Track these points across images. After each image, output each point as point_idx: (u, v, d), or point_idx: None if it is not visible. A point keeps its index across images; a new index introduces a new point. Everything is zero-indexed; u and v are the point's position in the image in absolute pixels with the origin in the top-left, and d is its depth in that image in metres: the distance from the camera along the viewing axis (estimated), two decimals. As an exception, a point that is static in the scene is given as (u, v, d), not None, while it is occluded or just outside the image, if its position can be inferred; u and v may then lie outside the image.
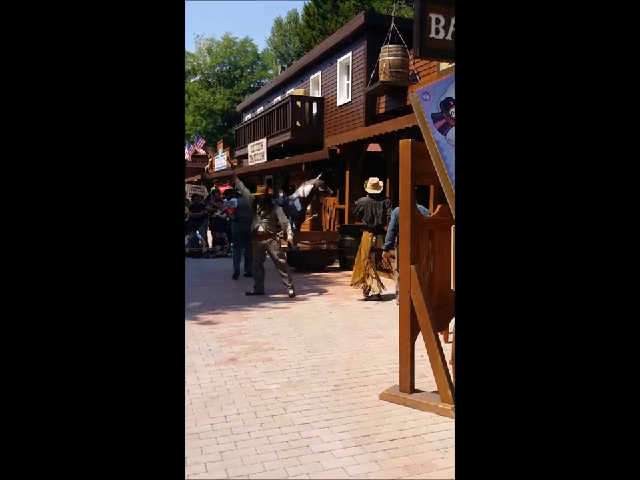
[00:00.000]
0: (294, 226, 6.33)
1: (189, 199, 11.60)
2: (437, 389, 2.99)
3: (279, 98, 15.50)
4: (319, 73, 13.04)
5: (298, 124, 12.67)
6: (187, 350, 4.08)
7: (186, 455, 2.38)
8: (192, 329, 4.75)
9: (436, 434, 2.64)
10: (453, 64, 6.06)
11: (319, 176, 8.56)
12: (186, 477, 2.21)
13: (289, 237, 6.40)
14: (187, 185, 16.48)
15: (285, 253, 6.73)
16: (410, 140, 2.95)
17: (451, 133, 2.69)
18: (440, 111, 2.68)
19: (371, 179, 6.43)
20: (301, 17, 29.57)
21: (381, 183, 6.45)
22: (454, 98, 2.67)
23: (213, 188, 12.33)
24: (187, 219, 11.11)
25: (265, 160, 14.46)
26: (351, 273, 6.68)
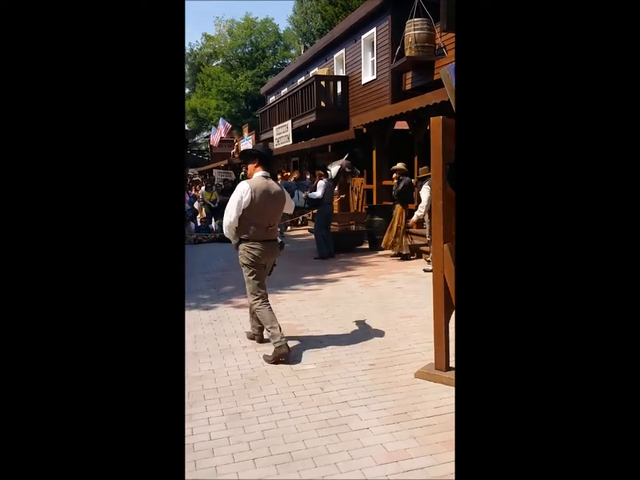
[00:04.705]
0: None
1: (221, 183, 11.74)
2: (472, 367, 3.00)
3: (302, 78, 15.38)
4: (342, 51, 12.86)
5: (323, 104, 12.57)
6: (224, 332, 4.19)
7: (229, 435, 2.48)
8: (227, 312, 4.87)
9: (473, 411, 2.66)
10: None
11: (345, 156, 8.51)
12: (230, 455, 2.29)
13: (415, 216, 6.81)
14: (214, 170, 16.62)
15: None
16: (441, 117, 2.90)
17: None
18: (471, 86, 2.62)
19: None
20: (322, -6, 29.01)
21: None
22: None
23: (243, 173, 12.41)
24: (217, 204, 11.25)
25: (291, 142, 14.44)
26: (380, 253, 7.16)
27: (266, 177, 3.55)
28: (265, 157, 3.60)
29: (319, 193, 7.78)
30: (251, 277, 3.60)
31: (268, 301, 3.61)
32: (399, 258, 7.58)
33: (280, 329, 3.46)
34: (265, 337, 3.76)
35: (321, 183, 7.82)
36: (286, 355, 3.43)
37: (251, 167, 3.65)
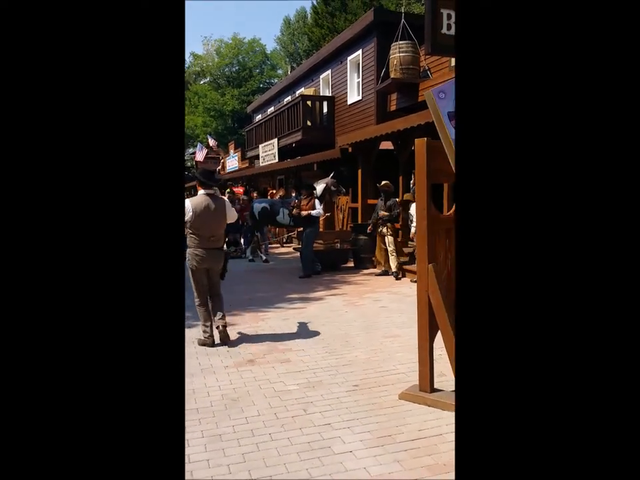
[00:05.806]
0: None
1: None
2: (456, 388, 2.97)
3: (289, 98, 15.51)
4: (328, 72, 13.03)
5: (309, 123, 12.67)
6: (205, 351, 4.11)
7: (208, 457, 2.41)
8: (209, 330, 4.78)
9: (457, 433, 2.63)
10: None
11: (331, 175, 8.55)
12: (209, 478, 2.23)
13: (413, 228, 7.25)
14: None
15: None
16: (425, 139, 2.93)
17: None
18: (455, 109, 2.66)
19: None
20: (309, 16, 29.51)
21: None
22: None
23: (228, 190, 12.36)
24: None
25: (277, 160, 14.48)
26: (365, 271, 7.44)
27: (207, 195, 4.32)
28: (200, 180, 4.44)
29: (321, 211, 7.85)
30: (193, 280, 4.37)
31: (207, 302, 4.42)
32: (396, 277, 7.54)
33: (211, 327, 4.34)
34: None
35: (318, 202, 7.86)
36: (208, 345, 4.29)
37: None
